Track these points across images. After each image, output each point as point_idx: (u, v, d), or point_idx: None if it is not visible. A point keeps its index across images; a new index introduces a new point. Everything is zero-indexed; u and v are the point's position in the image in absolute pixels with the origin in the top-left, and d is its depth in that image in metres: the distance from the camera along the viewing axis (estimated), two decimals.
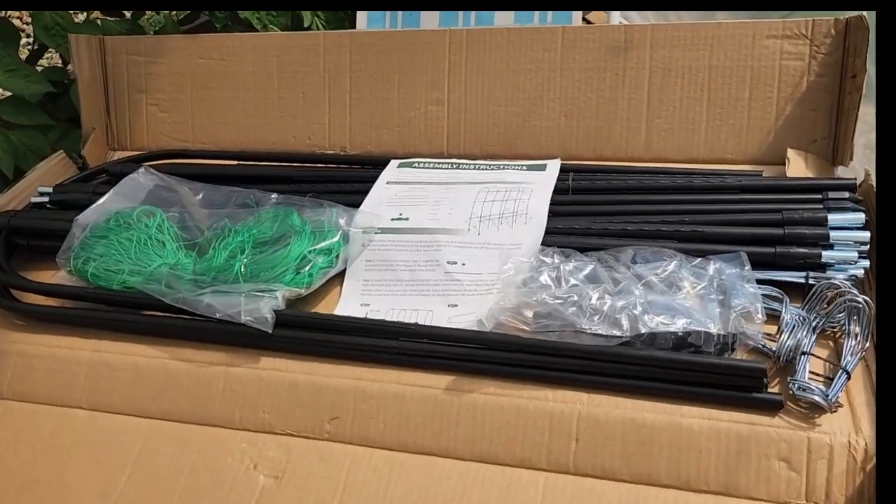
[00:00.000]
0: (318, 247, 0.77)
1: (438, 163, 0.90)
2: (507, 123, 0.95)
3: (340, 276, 0.80)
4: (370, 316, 0.75)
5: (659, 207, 0.77)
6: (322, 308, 0.78)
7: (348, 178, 0.91)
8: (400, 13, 1.05)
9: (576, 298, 0.64)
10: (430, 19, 1.05)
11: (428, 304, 0.74)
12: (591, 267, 0.68)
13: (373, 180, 0.89)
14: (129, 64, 1.08)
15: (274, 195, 0.85)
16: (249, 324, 0.71)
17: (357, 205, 0.85)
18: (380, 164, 0.93)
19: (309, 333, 0.72)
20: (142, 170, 0.92)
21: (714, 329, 0.63)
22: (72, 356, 0.77)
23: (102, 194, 0.90)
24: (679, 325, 0.62)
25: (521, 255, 0.73)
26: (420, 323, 0.71)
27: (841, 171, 0.84)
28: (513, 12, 1.00)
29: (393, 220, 0.81)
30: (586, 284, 0.67)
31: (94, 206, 0.87)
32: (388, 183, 0.87)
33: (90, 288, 0.80)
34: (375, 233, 0.80)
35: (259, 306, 0.71)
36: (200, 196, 0.88)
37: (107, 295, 0.79)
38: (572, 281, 0.67)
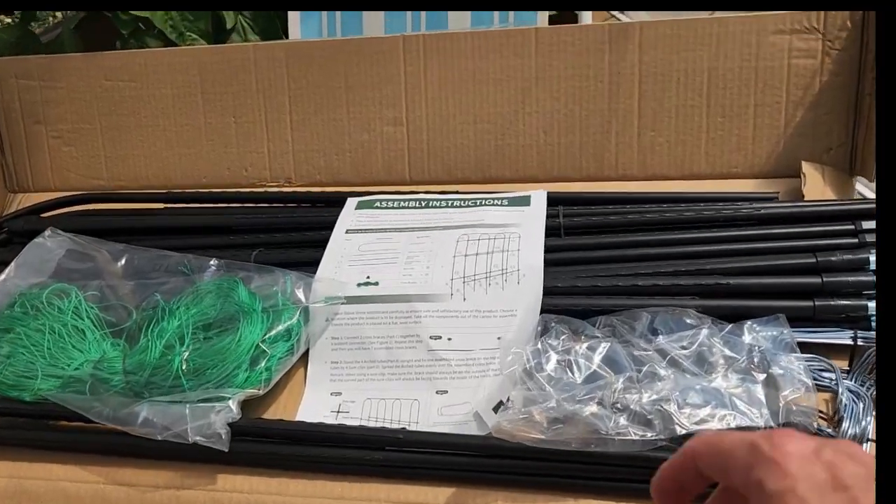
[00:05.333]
0: (274, 332, 0.64)
1: (404, 200, 0.77)
2: (478, 144, 0.82)
3: (303, 356, 0.67)
4: (343, 408, 0.63)
5: (669, 250, 0.67)
6: (284, 399, 0.65)
7: (298, 225, 0.77)
8: (338, 14, 0.90)
9: (597, 395, 0.54)
10: (374, 23, 0.90)
11: (412, 391, 0.63)
12: (607, 346, 0.57)
13: (328, 226, 0.76)
14: (21, 90, 0.91)
15: (213, 262, 0.71)
16: (200, 442, 0.58)
17: (313, 261, 0.72)
18: (334, 202, 0.79)
19: (274, 446, 0.60)
20: (48, 232, 0.77)
21: (762, 422, 0.53)
22: None
23: (3, 264, 0.75)
24: (721, 422, 0.52)
25: (519, 324, 0.62)
26: (408, 427, 0.60)
27: (861, 185, 0.75)
28: (469, 14, 0.86)
29: (360, 285, 0.68)
30: (604, 369, 0.56)
31: None
32: (347, 231, 0.74)
33: None
34: (341, 303, 0.67)
35: (210, 420, 0.58)
36: (123, 262, 0.74)
37: (20, 407, 0.65)
38: (586, 366, 0.56)
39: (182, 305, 0.68)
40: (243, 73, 0.85)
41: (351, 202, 0.78)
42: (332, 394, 0.64)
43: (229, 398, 0.60)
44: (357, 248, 0.72)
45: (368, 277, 0.68)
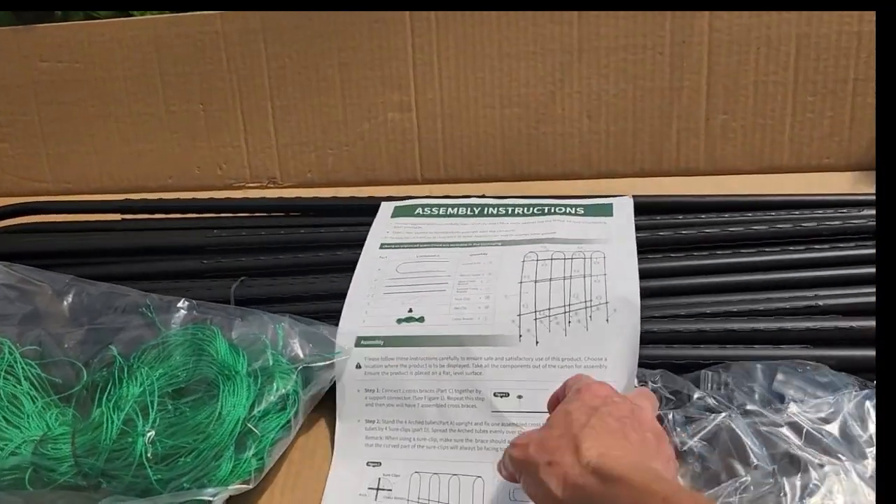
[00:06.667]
0: (265, 403, 0.49)
1: (452, 206, 0.62)
2: (506, 133, 0.67)
3: (327, 407, 0.53)
4: (384, 484, 0.50)
5: (764, 278, 0.53)
6: (305, 467, 0.51)
7: (289, 244, 0.62)
8: None
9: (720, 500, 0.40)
10: None
11: (473, 465, 0.49)
12: (721, 422, 0.43)
13: (326, 244, 0.61)
14: None
15: (182, 303, 0.56)
16: None
17: (309, 294, 0.58)
18: (330, 210, 0.65)
19: None
20: None
21: None
22: None
23: None
24: None
25: (611, 379, 0.47)
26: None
27: None
28: None
29: (401, 321, 0.53)
30: (727, 462, 0.42)
31: None
32: (382, 247, 0.60)
33: None
34: (377, 345, 0.53)
35: None
36: (69, 300, 0.59)
37: None
38: (700, 457, 0.43)
39: (145, 364, 0.53)
40: (211, 48, 0.69)
41: (386, 208, 0.63)
42: (368, 464, 0.51)
43: (210, 501, 0.46)
44: (395, 268, 0.57)
45: (411, 311, 0.54)
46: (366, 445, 0.51)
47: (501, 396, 0.50)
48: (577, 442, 0.37)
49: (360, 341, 0.53)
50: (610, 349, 0.49)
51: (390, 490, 0.49)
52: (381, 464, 0.51)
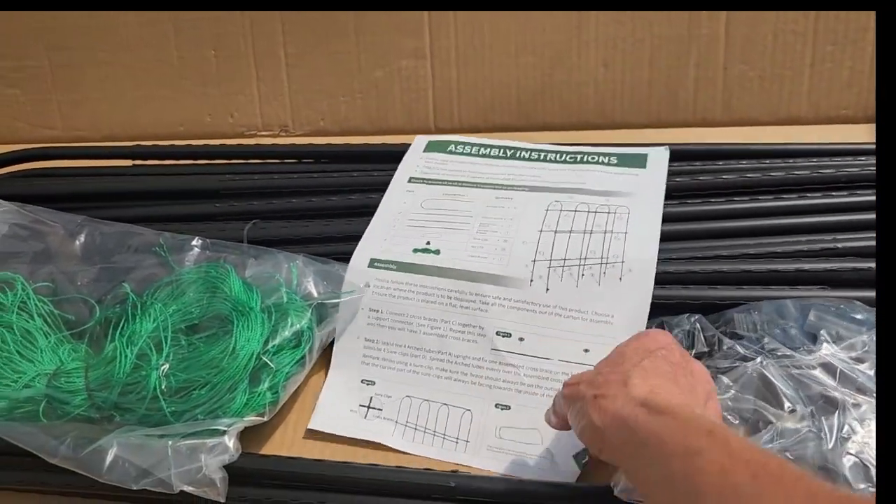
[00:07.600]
0: (279, 339, 0.49)
1: (485, 147, 0.63)
2: (521, 81, 0.66)
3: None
4: (375, 403, 0.50)
5: (782, 223, 0.52)
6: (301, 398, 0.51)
7: (305, 188, 0.62)
8: None
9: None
10: None
11: (465, 398, 0.50)
12: (754, 370, 0.43)
13: (337, 188, 0.61)
14: None
15: (195, 241, 0.56)
16: (189, 492, 0.45)
17: (322, 235, 0.58)
18: (343, 156, 0.64)
19: (286, 492, 0.46)
20: None
21: None
22: None
23: None
24: None
25: (615, 337, 0.47)
26: (456, 444, 0.48)
27: None
28: None
29: (416, 251, 0.54)
30: (762, 407, 0.42)
31: None
32: (410, 180, 0.60)
33: None
34: (389, 269, 0.53)
35: (200, 462, 0.45)
36: (81, 239, 0.59)
37: None
38: (733, 404, 0.42)
39: (158, 300, 0.53)
40: None
41: (420, 141, 0.64)
42: (362, 381, 0.52)
43: (225, 431, 0.46)
44: (419, 203, 0.58)
45: (428, 243, 0.54)
46: (362, 363, 0.52)
47: (503, 336, 0.50)
48: (626, 377, 0.37)
49: (374, 262, 0.53)
50: (619, 307, 0.49)
51: (381, 410, 0.50)
52: (375, 383, 0.51)
